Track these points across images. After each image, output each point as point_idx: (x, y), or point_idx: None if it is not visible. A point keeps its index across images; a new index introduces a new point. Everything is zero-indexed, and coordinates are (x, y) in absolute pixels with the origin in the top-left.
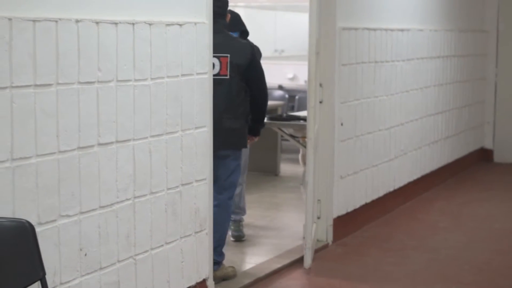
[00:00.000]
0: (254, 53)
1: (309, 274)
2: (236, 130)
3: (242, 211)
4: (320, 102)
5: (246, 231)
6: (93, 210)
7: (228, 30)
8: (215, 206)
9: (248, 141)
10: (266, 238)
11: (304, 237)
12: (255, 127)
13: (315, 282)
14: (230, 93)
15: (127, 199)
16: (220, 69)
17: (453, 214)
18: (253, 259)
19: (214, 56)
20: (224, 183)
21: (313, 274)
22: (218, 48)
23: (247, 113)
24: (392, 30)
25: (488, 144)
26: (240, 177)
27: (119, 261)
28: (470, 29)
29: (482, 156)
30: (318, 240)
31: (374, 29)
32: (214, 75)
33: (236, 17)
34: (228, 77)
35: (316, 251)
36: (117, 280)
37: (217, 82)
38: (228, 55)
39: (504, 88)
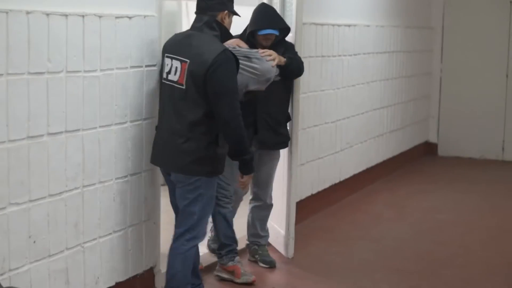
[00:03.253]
0: (222, 61)
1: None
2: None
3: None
4: None
5: None
6: (42, 198)
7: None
8: None
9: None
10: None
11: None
12: (238, 163)
13: (263, 271)
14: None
15: (76, 188)
16: (179, 76)
17: (398, 205)
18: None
19: (175, 58)
20: (181, 213)
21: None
22: (180, 49)
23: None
24: (339, 25)
25: (432, 138)
26: (209, 210)
27: (67, 249)
28: (416, 26)
29: (427, 150)
30: None
31: (322, 24)
32: (170, 81)
33: (271, 13)
34: (184, 87)
35: None
36: (65, 267)
37: (172, 90)
38: (188, 60)
39: (449, 83)
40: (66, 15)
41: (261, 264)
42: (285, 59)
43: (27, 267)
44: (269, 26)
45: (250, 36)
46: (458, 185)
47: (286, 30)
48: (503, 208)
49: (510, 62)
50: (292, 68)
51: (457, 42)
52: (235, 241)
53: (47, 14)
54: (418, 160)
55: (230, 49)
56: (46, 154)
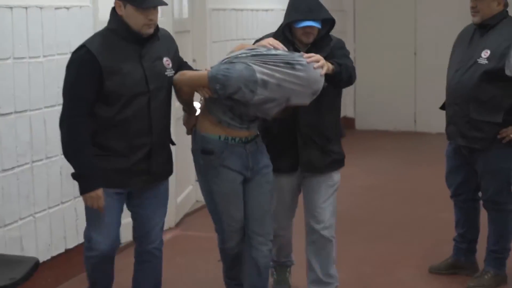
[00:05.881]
0: (69, 60)
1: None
2: None
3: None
4: None
5: None
6: None
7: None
8: None
9: None
10: None
11: None
12: None
13: (183, 236)
14: None
15: (26, 163)
16: None
17: None
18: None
19: None
20: None
21: (180, 230)
22: None
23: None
24: (257, 10)
25: (350, 113)
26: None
27: (21, 219)
28: (329, 9)
29: (345, 124)
30: (197, 201)
31: (241, 10)
32: None
33: (310, 0)
34: None
35: (196, 211)
36: (19, 235)
37: None
38: None
39: (363, 62)
40: (11, 7)
41: None
42: (333, 67)
43: None
44: (308, 16)
45: (286, 31)
46: (374, 155)
47: (331, 22)
48: (415, 173)
49: (417, 41)
50: (341, 77)
51: (369, 24)
52: None
53: None
54: None
55: (265, 53)
56: None
